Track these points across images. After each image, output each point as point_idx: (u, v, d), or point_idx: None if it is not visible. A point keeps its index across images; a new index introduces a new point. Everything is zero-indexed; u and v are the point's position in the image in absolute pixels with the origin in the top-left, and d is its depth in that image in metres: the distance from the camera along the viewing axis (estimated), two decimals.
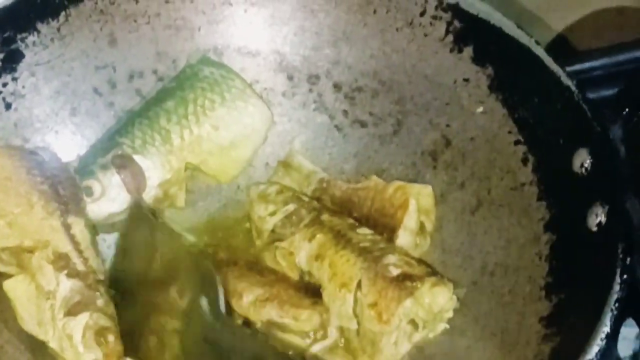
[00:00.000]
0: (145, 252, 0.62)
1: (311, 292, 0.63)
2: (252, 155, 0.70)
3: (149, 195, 0.66)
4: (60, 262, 0.58)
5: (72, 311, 0.57)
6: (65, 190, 0.62)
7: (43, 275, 0.58)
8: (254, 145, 0.69)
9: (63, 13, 0.66)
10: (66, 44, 0.67)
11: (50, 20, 0.66)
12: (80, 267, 0.59)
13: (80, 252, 0.60)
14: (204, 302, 0.59)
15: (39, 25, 0.66)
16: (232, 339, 0.59)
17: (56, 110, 0.68)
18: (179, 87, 0.68)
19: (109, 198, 0.64)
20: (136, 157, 0.65)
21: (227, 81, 0.68)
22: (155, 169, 0.66)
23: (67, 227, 0.60)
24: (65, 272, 0.58)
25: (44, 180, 0.61)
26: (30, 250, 0.58)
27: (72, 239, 0.60)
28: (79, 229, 0.61)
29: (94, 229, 0.63)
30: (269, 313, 0.62)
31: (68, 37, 0.67)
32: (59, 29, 0.66)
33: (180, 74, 0.69)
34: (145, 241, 0.63)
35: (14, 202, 0.60)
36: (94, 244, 0.62)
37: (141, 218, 0.64)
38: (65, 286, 0.58)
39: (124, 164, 0.65)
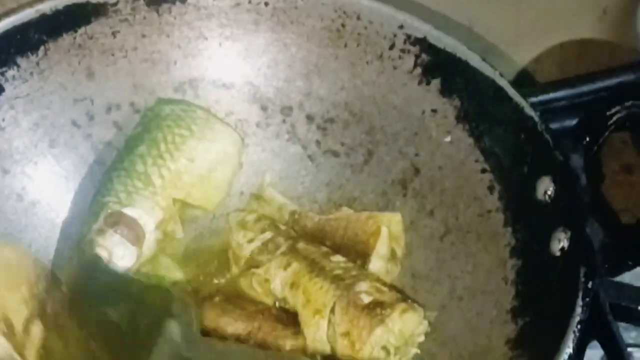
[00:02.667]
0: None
1: (291, 320, 0.64)
2: (232, 179, 0.71)
3: (151, 239, 0.66)
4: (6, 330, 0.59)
5: None
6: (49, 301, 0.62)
7: None
8: (231, 168, 0.70)
9: (42, 48, 0.67)
10: (45, 77, 0.67)
11: (29, 54, 0.67)
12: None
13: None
14: (172, 327, 0.57)
15: (19, 60, 0.66)
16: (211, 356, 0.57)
17: (35, 142, 0.68)
18: (145, 131, 0.68)
19: (118, 257, 0.65)
20: (126, 210, 0.66)
21: (190, 114, 0.69)
22: (147, 214, 0.66)
23: (28, 322, 0.60)
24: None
25: (36, 282, 0.62)
26: None
27: (26, 332, 0.59)
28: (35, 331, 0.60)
29: None
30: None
31: (47, 71, 0.67)
32: (38, 63, 0.67)
33: (142, 119, 0.69)
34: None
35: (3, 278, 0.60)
36: None
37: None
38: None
39: (116, 220, 0.65)
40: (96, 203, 0.67)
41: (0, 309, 0.58)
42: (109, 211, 0.65)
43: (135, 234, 0.65)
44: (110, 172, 0.68)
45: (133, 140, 0.69)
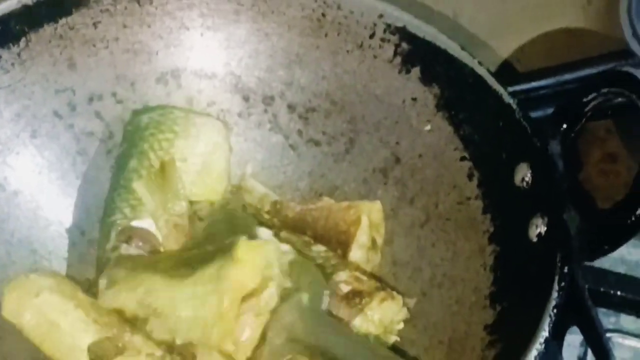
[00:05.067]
0: None
1: None
2: (228, 165, 0.71)
3: None
4: None
5: None
6: None
7: None
8: (223, 156, 0.70)
9: (23, 39, 0.67)
10: (26, 68, 0.68)
11: (11, 45, 0.67)
12: None
13: None
14: (304, 297, 0.59)
15: (0, 51, 0.67)
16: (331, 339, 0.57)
17: (17, 132, 0.68)
18: (132, 146, 0.68)
19: None
20: (135, 223, 0.66)
21: (168, 116, 0.69)
22: (156, 222, 0.66)
23: None
24: None
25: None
26: None
27: None
28: None
29: None
30: None
31: (28, 62, 0.68)
32: (19, 54, 0.67)
33: (124, 135, 0.70)
34: None
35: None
36: None
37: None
38: None
39: (129, 235, 0.65)
40: (105, 225, 0.67)
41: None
42: (119, 228, 0.65)
43: (151, 244, 0.65)
44: (111, 193, 0.68)
45: (123, 158, 0.69)
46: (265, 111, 0.73)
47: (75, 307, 0.60)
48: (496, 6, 0.86)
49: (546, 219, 0.59)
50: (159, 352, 0.58)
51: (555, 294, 0.55)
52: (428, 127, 0.68)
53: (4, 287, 0.61)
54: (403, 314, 0.62)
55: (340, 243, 0.67)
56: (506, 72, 0.86)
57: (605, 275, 0.65)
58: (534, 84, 0.80)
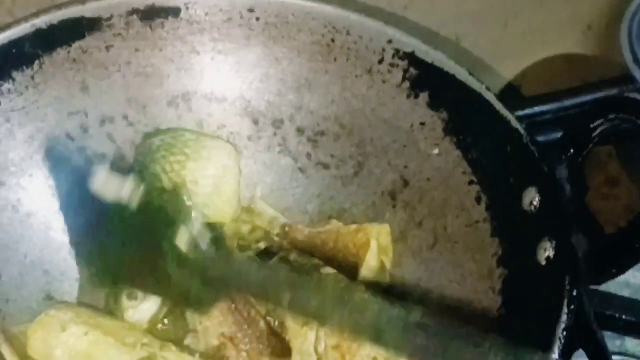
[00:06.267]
0: None
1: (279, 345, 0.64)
2: (238, 187, 0.71)
3: None
4: None
5: None
6: None
7: None
8: (234, 178, 0.71)
9: (37, 62, 0.68)
10: (40, 91, 0.68)
11: (25, 68, 0.67)
12: None
13: None
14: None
15: (14, 74, 0.67)
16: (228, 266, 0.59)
17: (30, 154, 0.69)
18: (143, 168, 0.69)
19: None
20: None
21: (180, 139, 0.70)
22: None
23: None
24: None
25: None
26: None
27: None
28: None
29: None
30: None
31: (42, 85, 0.68)
32: (33, 77, 0.68)
33: (137, 158, 0.70)
34: None
35: None
36: None
37: None
38: None
39: None
40: None
41: None
42: None
43: None
44: None
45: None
46: (275, 134, 0.73)
47: (104, 334, 0.61)
48: (498, 31, 0.88)
49: (554, 243, 0.60)
50: None
51: (564, 317, 0.56)
52: (436, 151, 0.69)
53: (27, 330, 0.62)
54: None
55: (349, 266, 0.67)
56: (509, 97, 0.87)
57: (611, 298, 0.66)
58: (537, 109, 0.80)
